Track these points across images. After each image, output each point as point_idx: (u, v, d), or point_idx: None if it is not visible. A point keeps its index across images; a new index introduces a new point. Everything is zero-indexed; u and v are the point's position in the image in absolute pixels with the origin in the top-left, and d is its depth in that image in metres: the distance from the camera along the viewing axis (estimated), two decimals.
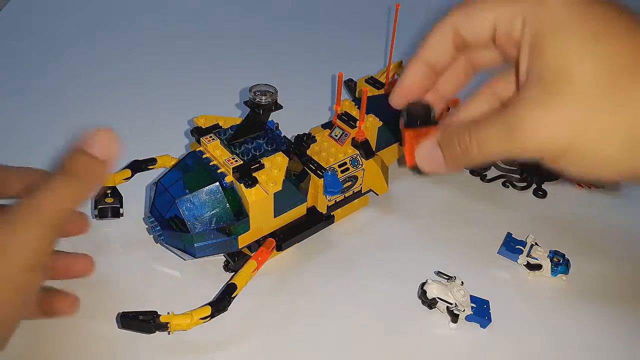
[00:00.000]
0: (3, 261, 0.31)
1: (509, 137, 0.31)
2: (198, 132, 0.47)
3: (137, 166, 0.50)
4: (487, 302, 0.46)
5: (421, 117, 0.35)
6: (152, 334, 0.39)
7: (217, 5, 0.92)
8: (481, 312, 0.45)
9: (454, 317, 0.45)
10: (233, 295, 0.42)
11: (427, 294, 0.45)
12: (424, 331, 0.45)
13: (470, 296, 0.46)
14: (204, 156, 0.46)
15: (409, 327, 0.45)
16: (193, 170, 0.45)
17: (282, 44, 0.84)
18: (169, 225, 0.43)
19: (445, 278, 0.47)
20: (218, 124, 0.48)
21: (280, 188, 0.44)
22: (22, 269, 0.32)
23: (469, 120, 0.33)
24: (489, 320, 0.45)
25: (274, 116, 0.47)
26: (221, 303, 0.41)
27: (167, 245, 0.45)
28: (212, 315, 0.40)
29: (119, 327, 0.39)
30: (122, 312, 0.38)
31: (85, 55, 0.79)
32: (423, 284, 0.46)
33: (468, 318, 0.45)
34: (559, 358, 0.44)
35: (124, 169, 0.49)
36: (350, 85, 0.68)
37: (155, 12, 0.90)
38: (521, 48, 0.31)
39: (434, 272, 0.49)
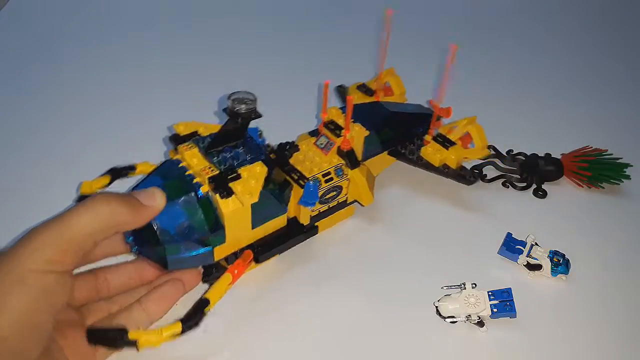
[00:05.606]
0: None
1: None
2: (176, 140, 0.46)
3: (116, 173, 0.48)
4: (508, 290, 0.46)
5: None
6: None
7: (198, 9, 0.91)
8: (504, 306, 0.45)
9: (479, 324, 0.45)
10: (205, 311, 0.40)
11: (441, 314, 0.45)
12: (410, 344, 0.44)
13: (490, 291, 0.46)
14: (180, 164, 0.44)
15: (397, 343, 0.45)
16: (168, 179, 0.43)
17: (270, 49, 0.82)
18: (141, 235, 0.41)
19: (454, 289, 0.47)
20: (197, 132, 0.47)
21: (256, 199, 0.42)
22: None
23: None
24: (514, 310, 0.45)
25: (259, 123, 0.45)
26: (192, 319, 0.39)
27: (142, 256, 0.44)
28: (182, 332, 0.39)
29: (88, 342, 0.39)
30: (90, 327, 0.38)
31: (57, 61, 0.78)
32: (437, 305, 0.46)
33: (493, 316, 0.45)
34: (559, 358, 0.44)
35: (102, 175, 0.47)
36: (341, 90, 0.67)
37: (139, 16, 0.90)
38: None
39: (441, 288, 0.48)
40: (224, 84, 0.70)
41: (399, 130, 0.58)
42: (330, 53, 0.83)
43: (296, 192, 0.48)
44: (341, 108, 0.55)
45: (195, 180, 0.43)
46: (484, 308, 0.45)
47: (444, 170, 0.57)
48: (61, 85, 0.72)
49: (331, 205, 0.51)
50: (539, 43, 0.90)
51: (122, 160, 0.49)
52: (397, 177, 0.59)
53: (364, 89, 0.62)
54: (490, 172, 0.61)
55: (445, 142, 0.57)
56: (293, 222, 0.50)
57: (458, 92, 0.74)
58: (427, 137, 0.58)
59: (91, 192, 0.45)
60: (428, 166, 0.57)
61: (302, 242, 0.51)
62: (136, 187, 0.42)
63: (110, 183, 0.47)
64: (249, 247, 0.47)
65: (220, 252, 0.44)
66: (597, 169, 0.59)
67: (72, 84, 0.73)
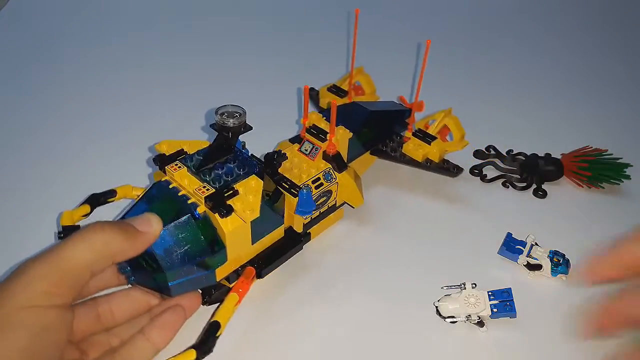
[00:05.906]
0: None
1: None
2: (161, 160, 0.44)
3: (96, 200, 0.46)
4: (508, 290, 0.46)
5: None
6: None
7: (198, 9, 0.91)
8: (504, 306, 0.45)
9: (480, 324, 0.45)
10: (217, 335, 0.39)
11: (441, 314, 0.45)
12: (410, 344, 0.44)
13: (490, 291, 0.46)
14: (171, 186, 0.43)
15: (397, 343, 0.44)
16: (161, 202, 0.42)
17: (240, 57, 0.81)
18: (139, 264, 0.40)
19: (454, 289, 0.47)
20: (182, 150, 0.45)
21: (257, 215, 0.41)
22: None
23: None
24: (514, 310, 0.45)
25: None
26: (206, 345, 0.38)
27: (139, 286, 0.42)
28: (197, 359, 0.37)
29: None
30: None
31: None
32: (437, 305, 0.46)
33: (493, 316, 0.45)
34: (559, 358, 0.44)
35: (82, 204, 0.46)
36: (312, 94, 0.67)
37: (139, 16, 0.90)
38: None
39: (441, 288, 0.48)
40: (202, 97, 0.70)
41: (379, 129, 0.58)
42: (299, 54, 0.82)
43: (289, 202, 0.47)
44: (320, 112, 0.55)
45: (190, 201, 0.41)
46: (484, 308, 0.45)
47: (427, 165, 0.57)
48: (61, 85, 0.72)
49: (322, 210, 0.51)
50: (539, 43, 0.90)
51: (122, 160, 0.49)
52: (380, 176, 0.59)
53: (335, 89, 0.62)
54: (490, 172, 0.61)
55: (425, 136, 0.57)
56: (289, 232, 0.49)
57: (458, 92, 0.75)
58: (407, 133, 0.58)
59: (72, 223, 0.43)
60: (411, 162, 0.57)
61: (299, 251, 0.50)
62: (128, 214, 0.41)
63: (91, 211, 0.46)
64: (249, 262, 0.46)
65: (222, 272, 0.43)
66: (597, 169, 0.59)
67: (72, 84, 0.73)
